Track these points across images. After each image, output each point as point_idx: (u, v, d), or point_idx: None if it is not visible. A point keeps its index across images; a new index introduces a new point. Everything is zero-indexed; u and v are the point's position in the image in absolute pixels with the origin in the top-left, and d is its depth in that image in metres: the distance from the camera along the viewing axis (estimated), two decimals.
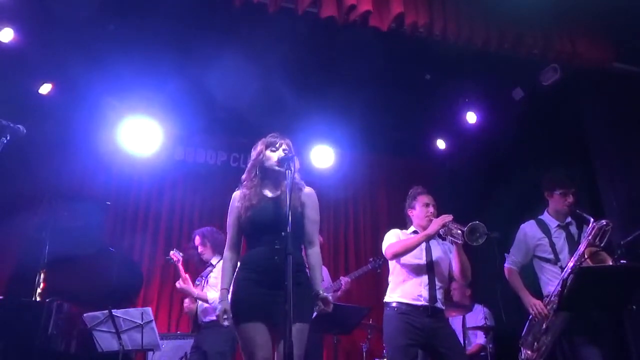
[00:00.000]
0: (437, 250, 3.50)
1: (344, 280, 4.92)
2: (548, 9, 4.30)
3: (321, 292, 2.65)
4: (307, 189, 2.78)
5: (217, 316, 2.58)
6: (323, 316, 4.01)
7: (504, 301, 3.63)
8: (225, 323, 2.54)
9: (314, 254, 2.74)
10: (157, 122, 5.76)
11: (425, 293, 3.33)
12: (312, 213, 2.74)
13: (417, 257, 3.41)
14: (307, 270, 2.73)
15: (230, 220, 2.74)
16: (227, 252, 2.72)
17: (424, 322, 3.27)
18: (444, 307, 3.44)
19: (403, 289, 3.39)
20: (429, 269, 3.41)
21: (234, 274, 2.66)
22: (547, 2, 4.26)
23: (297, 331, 2.44)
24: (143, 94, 5.32)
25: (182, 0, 4.32)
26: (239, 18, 4.44)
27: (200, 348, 4.03)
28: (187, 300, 4.30)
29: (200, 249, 4.33)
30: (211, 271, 4.24)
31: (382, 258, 5.04)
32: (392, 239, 3.53)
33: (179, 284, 4.14)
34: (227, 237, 2.74)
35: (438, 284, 3.40)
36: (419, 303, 3.31)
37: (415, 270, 3.41)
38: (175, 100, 5.42)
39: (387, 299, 3.47)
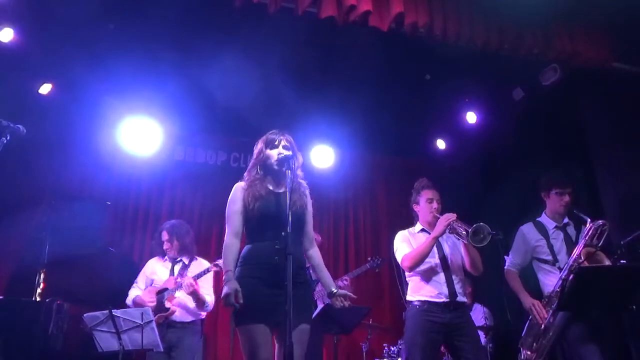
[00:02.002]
0: (447, 245, 3.53)
1: (342, 283, 4.90)
2: (548, 9, 4.29)
3: (335, 290, 2.68)
4: (307, 191, 2.81)
5: (226, 295, 2.44)
6: (323, 316, 4.03)
7: (509, 301, 3.64)
8: (238, 302, 2.42)
9: (317, 253, 2.78)
10: (157, 122, 5.76)
11: (445, 290, 3.36)
12: (310, 216, 2.80)
13: (430, 257, 3.43)
14: (309, 270, 2.74)
15: (234, 208, 2.68)
16: (230, 239, 2.64)
17: (446, 317, 3.30)
18: (465, 300, 3.46)
19: (424, 289, 3.42)
20: (444, 266, 3.43)
21: (236, 258, 2.61)
22: (547, 2, 4.25)
23: (299, 332, 2.45)
24: (143, 94, 5.31)
25: (182, 0, 4.33)
26: (239, 18, 4.43)
27: (174, 347, 3.98)
28: (173, 299, 4.11)
29: (165, 245, 4.24)
30: (185, 268, 4.19)
31: (381, 258, 5.06)
32: (404, 248, 3.52)
33: (195, 284, 3.98)
34: (230, 226, 2.67)
35: (456, 279, 3.42)
36: (441, 300, 3.34)
37: (431, 270, 3.43)
38: (175, 100, 5.42)
39: (409, 297, 3.50)
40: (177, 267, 4.23)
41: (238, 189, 2.73)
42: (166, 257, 4.28)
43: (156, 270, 4.26)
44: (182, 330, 4.03)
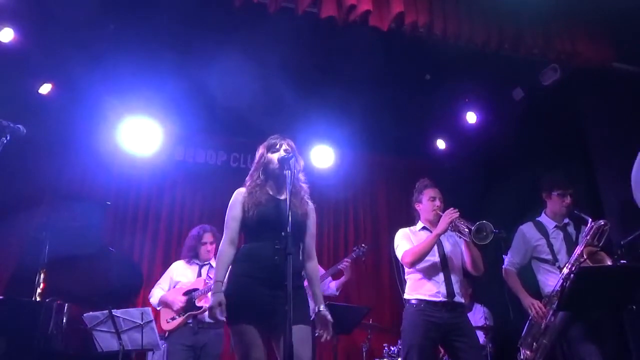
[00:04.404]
0: (447, 244, 3.52)
1: (344, 264, 4.94)
2: (548, 9, 4.29)
3: (322, 309, 2.65)
4: (310, 204, 2.80)
5: (212, 308, 2.45)
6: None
7: (511, 300, 3.64)
8: (221, 317, 2.45)
9: (314, 267, 2.76)
10: (157, 122, 5.77)
11: (443, 289, 3.35)
12: (313, 228, 2.78)
13: (430, 254, 3.42)
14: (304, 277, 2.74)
15: (233, 213, 2.67)
16: (226, 247, 2.61)
17: (443, 316, 3.29)
18: (463, 301, 3.44)
19: (422, 287, 3.40)
20: (444, 265, 3.42)
21: (228, 268, 2.59)
22: (547, 2, 4.25)
23: (302, 333, 2.42)
24: (143, 94, 5.31)
25: (182, 0, 4.33)
26: (239, 18, 4.43)
27: (202, 348, 4.07)
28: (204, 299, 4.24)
29: (208, 247, 4.38)
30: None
31: (366, 246, 5.06)
32: (405, 244, 3.51)
33: None
34: (227, 232, 2.65)
35: (454, 278, 3.41)
36: (438, 299, 3.33)
37: (431, 268, 3.42)
38: (175, 100, 5.42)
39: (407, 296, 3.49)
40: (204, 270, 4.37)
41: (238, 195, 2.72)
42: (193, 260, 4.41)
43: (182, 273, 4.38)
44: (210, 331, 4.13)
